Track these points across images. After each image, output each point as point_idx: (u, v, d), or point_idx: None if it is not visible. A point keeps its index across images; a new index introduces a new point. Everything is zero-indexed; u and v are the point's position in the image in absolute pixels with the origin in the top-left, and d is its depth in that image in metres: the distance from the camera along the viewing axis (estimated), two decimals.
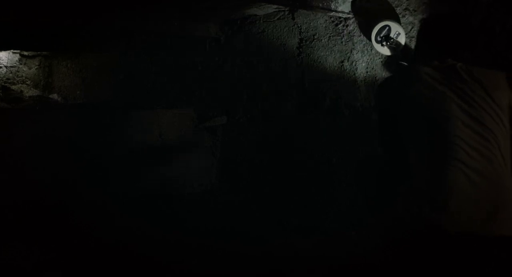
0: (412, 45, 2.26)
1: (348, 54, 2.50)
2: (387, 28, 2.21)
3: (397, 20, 2.26)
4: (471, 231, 1.39)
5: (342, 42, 2.52)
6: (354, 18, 2.47)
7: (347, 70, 2.50)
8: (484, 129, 1.44)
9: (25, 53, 4.99)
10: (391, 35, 2.20)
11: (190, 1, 2.46)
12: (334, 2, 2.37)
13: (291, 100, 2.78)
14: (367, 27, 2.34)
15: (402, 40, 2.21)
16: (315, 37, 2.64)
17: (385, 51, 2.26)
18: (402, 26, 2.23)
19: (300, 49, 2.72)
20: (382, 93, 1.78)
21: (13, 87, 4.88)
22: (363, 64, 2.45)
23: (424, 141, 1.52)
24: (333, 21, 2.56)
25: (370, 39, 2.29)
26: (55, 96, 4.65)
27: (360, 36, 2.45)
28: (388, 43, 2.21)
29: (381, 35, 2.22)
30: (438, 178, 1.43)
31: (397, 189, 1.60)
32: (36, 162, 2.71)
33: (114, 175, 2.85)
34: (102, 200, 2.67)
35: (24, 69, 5.11)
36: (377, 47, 2.27)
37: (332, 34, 2.57)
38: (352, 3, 2.40)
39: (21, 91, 4.75)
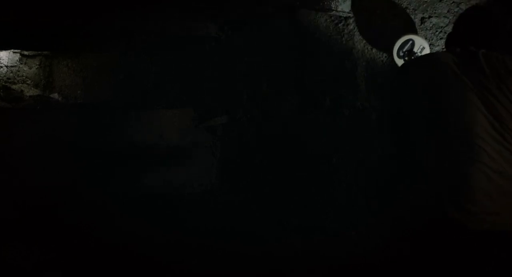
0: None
1: (349, 53, 2.49)
2: (410, 42, 2.09)
3: (414, 32, 2.15)
4: (495, 231, 1.36)
5: (342, 41, 2.52)
6: (354, 17, 2.46)
7: (347, 70, 2.50)
8: (502, 126, 1.37)
9: (26, 52, 4.99)
10: (415, 49, 2.08)
11: (190, 1, 2.46)
12: (334, 1, 2.37)
13: (291, 100, 2.77)
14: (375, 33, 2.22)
15: None
16: (315, 36, 2.63)
17: None
18: (426, 40, 2.12)
19: (300, 49, 2.71)
20: (397, 85, 1.70)
21: (14, 86, 4.88)
22: (364, 64, 2.44)
23: (440, 139, 1.45)
24: (333, 21, 2.55)
25: (391, 54, 2.17)
26: (55, 95, 4.66)
27: (360, 35, 2.45)
28: (412, 58, 2.07)
29: (404, 50, 2.10)
30: (460, 180, 1.38)
31: (406, 188, 1.56)
32: (36, 162, 2.71)
33: (114, 175, 2.85)
34: (102, 200, 2.67)
35: (25, 69, 5.12)
36: (399, 62, 2.13)
37: (332, 34, 2.56)
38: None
39: (22, 91, 4.76)
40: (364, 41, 2.43)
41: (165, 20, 2.86)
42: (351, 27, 2.47)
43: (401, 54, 2.12)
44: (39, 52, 4.79)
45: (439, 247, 1.43)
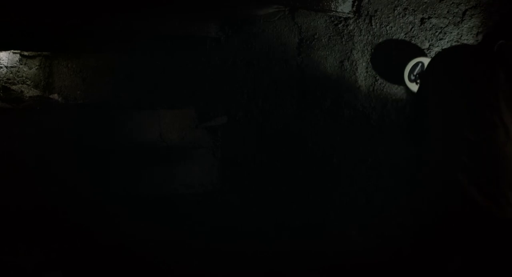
0: (412, 45, 2.27)
1: (349, 53, 2.50)
2: (420, 65, 2.10)
3: (424, 54, 2.15)
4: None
5: (342, 42, 2.52)
6: (354, 18, 2.47)
7: (348, 70, 2.51)
8: (493, 112, 1.39)
9: (26, 53, 4.99)
10: None
11: (190, 1, 2.46)
12: (334, 2, 2.37)
13: (291, 100, 2.78)
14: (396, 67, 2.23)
15: None
16: (315, 37, 2.64)
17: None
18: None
19: (300, 49, 2.72)
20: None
21: (14, 87, 4.88)
22: (364, 64, 2.45)
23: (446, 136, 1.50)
24: (333, 21, 2.56)
25: (402, 79, 2.17)
26: (55, 96, 4.65)
27: (360, 36, 2.45)
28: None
29: (415, 73, 2.11)
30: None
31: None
32: (36, 163, 2.71)
33: (115, 176, 2.85)
34: (103, 201, 2.67)
35: (25, 69, 5.12)
36: (411, 86, 2.14)
37: (332, 34, 2.57)
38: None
39: (22, 91, 4.75)
40: (364, 42, 2.44)
41: (165, 20, 2.86)
42: (351, 27, 2.48)
43: (412, 77, 2.14)
44: (39, 52, 4.79)
45: (435, 248, 1.44)
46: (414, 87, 2.16)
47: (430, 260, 1.49)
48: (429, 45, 2.22)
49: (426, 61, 2.12)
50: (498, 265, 1.41)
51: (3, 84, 4.93)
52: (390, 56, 2.36)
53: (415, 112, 1.74)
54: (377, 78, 2.41)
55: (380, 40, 2.38)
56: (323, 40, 2.61)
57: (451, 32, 2.19)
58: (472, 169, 1.42)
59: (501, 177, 1.37)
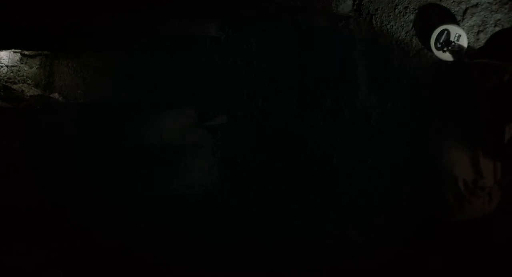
0: (413, 43, 2.26)
1: (349, 53, 2.49)
2: (446, 32, 2.09)
3: (454, 22, 2.14)
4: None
5: (342, 41, 2.52)
6: (355, 17, 2.46)
7: (348, 70, 2.50)
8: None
9: (26, 52, 5.00)
10: (451, 38, 2.08)
11: (191, 2, 2.46)
12: (334, 1, 2.36)
13: (291, 100, 2.77)
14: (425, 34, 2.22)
15: (464, 41, 2.06)
16: (316, 36, 2.63)
17: (447, 56, 2.11)
18: (462, 27, 2.11)
19: (300, 49, 2.71)
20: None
21: (14, 86, 4.89)
22: (364, 63, 2.44)
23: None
24: (333, 20, 2.55)
25: (429, 48, 2.17)
26: (56, 95, 4.66)
27: (361, 35, 2.45)
28: (450, 48, 2.07)
29: (441, 41, 2.10)
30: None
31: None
32: (36, 162, 2.72)
33: (115, 176, 2.85)
34: (103, 201, 2.67)
35: (25, 69, 5.13)
36: (438, 54, 2.13)
37: (332, 34, 2.56)
38: None
39: (22, 91, 4.77)
40: (364, 41, 2.43)
41: (165, 20, 2.86)
42: (351, 27, 2.47)
43: (439, 45, 2.11)
44: (40, 52, 4.80)
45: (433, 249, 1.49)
46: (441, 55, 2.13)
47: (421, 259, 1.56)
48: None
49: (450, 27, 2.09)
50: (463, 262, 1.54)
51: (4, 83, 4.94)
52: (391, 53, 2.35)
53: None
54: (378, 77, 2.40)
55: (381, 38, 2.37)
56: (323, 40, 2.60)
57: None
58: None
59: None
